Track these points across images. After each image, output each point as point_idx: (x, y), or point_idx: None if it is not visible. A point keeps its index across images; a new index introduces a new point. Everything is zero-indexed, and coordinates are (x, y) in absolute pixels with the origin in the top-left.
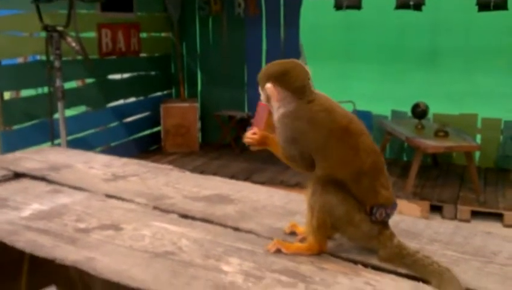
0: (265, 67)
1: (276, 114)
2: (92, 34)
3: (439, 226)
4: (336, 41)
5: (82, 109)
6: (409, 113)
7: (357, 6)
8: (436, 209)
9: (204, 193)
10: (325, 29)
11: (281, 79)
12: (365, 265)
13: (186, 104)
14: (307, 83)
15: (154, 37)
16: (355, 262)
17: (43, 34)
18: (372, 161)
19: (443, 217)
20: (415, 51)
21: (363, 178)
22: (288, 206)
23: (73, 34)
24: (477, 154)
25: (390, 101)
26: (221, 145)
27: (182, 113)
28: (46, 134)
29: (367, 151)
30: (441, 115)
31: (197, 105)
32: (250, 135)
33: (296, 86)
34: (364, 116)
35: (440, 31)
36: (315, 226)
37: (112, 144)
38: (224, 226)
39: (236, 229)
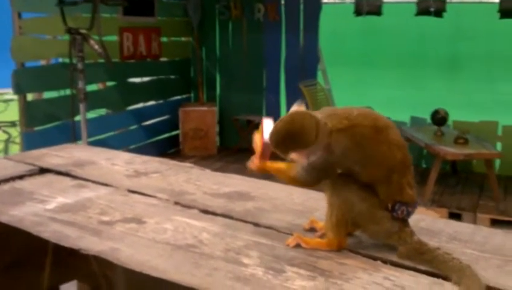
0: (275, 134)
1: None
2: (114, 38)
3: (459, 225)
4: (355, 47)
5: (102, 111)
6: (429, 120)
7: (377, 12)
8: (454, 216)
9: (224, 190)
10: (344, 35)
11: (299, 144)
12: (384, 261)
13: (204, 108)
14: (317, 128)
15: (175, 41)
16: (375, 258)
17: (66, 37)
18: (402, 155)
19: None
20: (435, 57)
21: (393, 176)
22: (307, 204)
23: (96, 37)
24: (497, 162)
25: (410, 108)
26: (239, 149)
27: (201, 116)
28: (67, 135)
29: (397, 145)
30: (461, 122)
31: (216, 109)
32: (252, 164)
33: (312, 139)
34: None
35: (461, 37)
36: (334, 223)
37: (131, 147)
38: (245, 221)
39: (256, 224)
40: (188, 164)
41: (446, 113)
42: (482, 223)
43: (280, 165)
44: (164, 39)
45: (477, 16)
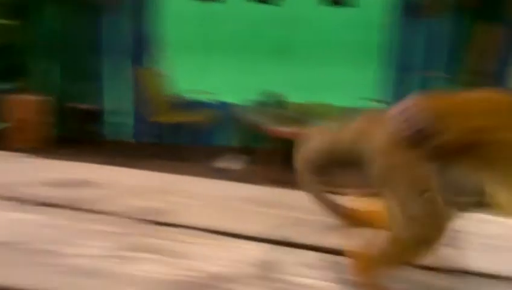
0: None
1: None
2: None
3: None
4: (196, 32)
5: None
6: (266, 103)
7: None
8: None
9: (67, 178)
10: (185, 21)
11: None
12: None
13: (33, 97)
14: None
15: None
16: None
17: None
18: None
19: None
20: (268, 43)
21: None
22: (163, 186)
23: None
24: None
25: (247, 92)
26: (72, 139)
27: (29, 107)
28: None
29: None
30: (298, 104)
31: (47, 98)
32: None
33: None
34: (224, 106)
35: (292, 24)
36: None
37: None
38: (91, 211)
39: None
40: (19, 154)
41: (283, 96)
42: None
43: None
44: None
45: (307, 3)
